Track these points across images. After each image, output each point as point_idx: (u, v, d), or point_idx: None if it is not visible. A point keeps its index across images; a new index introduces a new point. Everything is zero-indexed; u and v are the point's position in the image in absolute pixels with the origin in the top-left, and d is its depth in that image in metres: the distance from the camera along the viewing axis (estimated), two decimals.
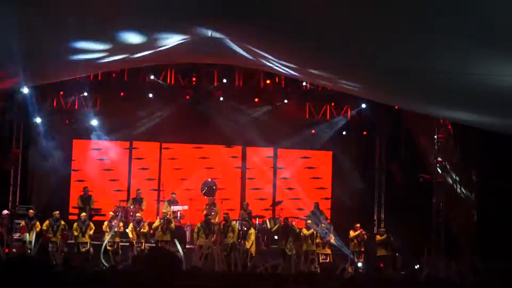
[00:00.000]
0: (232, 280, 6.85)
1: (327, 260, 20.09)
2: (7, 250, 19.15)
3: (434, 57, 11.91)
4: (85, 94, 23.16)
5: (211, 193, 22.52)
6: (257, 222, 22.01)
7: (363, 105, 23.29)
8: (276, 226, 21.06)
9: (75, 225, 20.12)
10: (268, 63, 17.88)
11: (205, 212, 21.49)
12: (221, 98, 23.57)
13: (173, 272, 5.10)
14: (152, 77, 22.93)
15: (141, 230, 20.14)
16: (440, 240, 21.23)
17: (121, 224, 20.31)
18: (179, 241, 19.65)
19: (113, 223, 20.15)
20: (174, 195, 22.10)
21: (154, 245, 20.02)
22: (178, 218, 21.33)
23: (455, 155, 20.97)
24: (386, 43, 11.91)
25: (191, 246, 20.44)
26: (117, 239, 20.05)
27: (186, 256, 19.50)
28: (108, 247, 19.71)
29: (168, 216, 20.38)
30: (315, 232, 20.32)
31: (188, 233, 21.30)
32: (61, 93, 22.94)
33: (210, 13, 12.89)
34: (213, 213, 21.27)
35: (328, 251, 20.35)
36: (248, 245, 19.97)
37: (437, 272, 18.63)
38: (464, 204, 20.51)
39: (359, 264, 20.01)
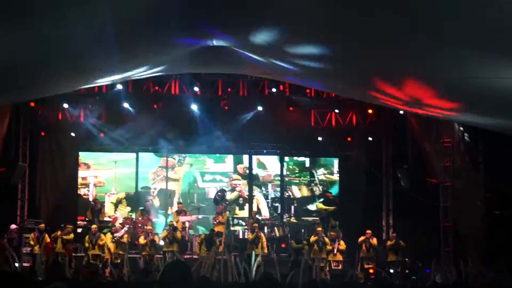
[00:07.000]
0: None
1: (339, 267, 19.98)
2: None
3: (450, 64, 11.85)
4: (90, 106, 23.23)
5: (220, 201, 22.50)
6: (265, 230, 21.97)
7: (369, 111, 23.25)
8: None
9: (86, 237, 20.17)
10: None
11: (215, 221, 21.43)
12: (226, 108, 23.58)
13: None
14: (156, 88, 23.00)
15: (150, 240, 20.11)
16: (449, 244, 21.17)
17: (127, 236, 20.27)
18: (180, 251, 19.79)
19: (118, 234, 20.17)
20: (180, 205, 22.14)
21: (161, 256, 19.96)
22: (187, 228, 21.30)
23: (462, 158, 20.90)
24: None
25: (194, 256, 20.52)
26: (122, 252, 19.98)
27: (189, 265, 19.48)
28: (114, 260, 19.73)
29: (174, 226, 20.34)
30: (325, 239, 20.17)
31: (195, 243, 21.21)
32: (66, 105, 22.97)
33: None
34: (217, 221, 21.22)
35: (340, 258, 20.26)
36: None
37: (448, 276, 18.59)
38: (472, 207, 20.42)
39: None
